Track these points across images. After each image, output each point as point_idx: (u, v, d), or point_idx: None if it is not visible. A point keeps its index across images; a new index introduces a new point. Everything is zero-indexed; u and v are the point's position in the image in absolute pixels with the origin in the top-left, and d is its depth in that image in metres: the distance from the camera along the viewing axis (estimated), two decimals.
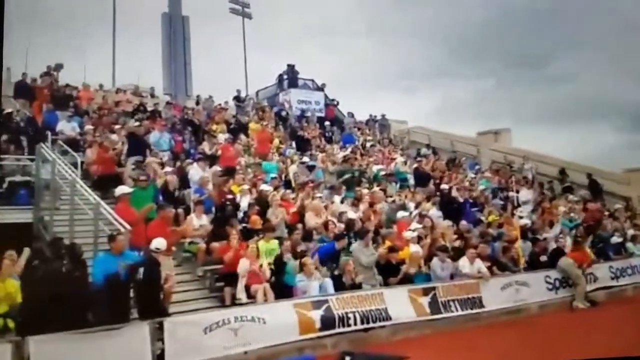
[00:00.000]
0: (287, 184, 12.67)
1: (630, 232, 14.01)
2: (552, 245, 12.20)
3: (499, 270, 10.99)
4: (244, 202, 10.68)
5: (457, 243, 11.40)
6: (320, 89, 22.34)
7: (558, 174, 18.56)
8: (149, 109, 16.20)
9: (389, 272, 9.88)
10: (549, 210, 14.00)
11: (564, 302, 10.95)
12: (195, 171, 11.33)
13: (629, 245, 13.37)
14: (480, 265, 10.50)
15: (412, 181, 15.47)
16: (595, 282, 11.77)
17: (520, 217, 13.05)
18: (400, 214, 12.20)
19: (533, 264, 11.55)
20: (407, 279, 9.79)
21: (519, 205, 14.04)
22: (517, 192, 14.71)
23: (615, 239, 13.30)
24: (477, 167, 18.49)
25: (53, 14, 34.68)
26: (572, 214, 14.08)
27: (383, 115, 22.38)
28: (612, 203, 16.83)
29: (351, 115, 21.82)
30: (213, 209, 10.13)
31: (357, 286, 9.07)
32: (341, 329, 8.22)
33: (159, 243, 7.67)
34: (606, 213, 14.91)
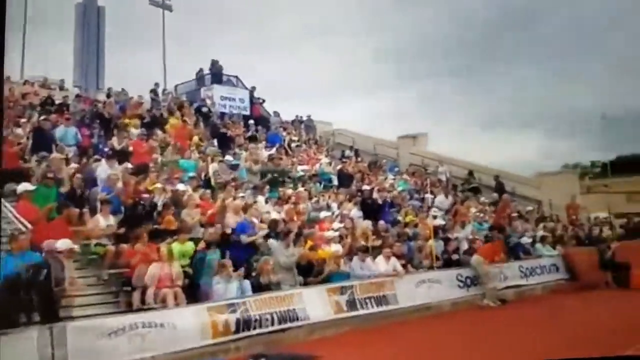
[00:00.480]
0: (207, 183, 12.29)
1: (540, 233, 14.88)
2: (464, 245, 12.73)
3: (413, 267, 11.35)
4: (160, 201, 10.23)
5: (376, 242, 11.64)
6: (246, 87, 21.88)
7: (467, 175, 19.44)
8: (57, 102, 15.21)
9: (310, 272, 9.90)
10: (461, 211, 14.56)
11: (475, 299, 11.37)
12: (103, 168, 10.72)
13: (538, 246, 14.15)
14: (396, 264, 10.80)
15: (335, 182, 15.65)
16: (506, 281, 12.31)
17: (434, 217, 13.50)
18: (323, 214, 12.35)
19: (446, 263, 11.99)
20: (326, 278, 9.85)
21: (433, 206, 14.51)
22: (432, 193, 15.21)
23: (526, 240, 14.04)
24: (396, 169, 19.01)
25: None
26: (481, 215, 14.72)
27: (309, 116, 22.43)
28: (525, 206, 17.86)
29: (277, 114, 21.65)
30: (122, 208, 9.60)
31: (276, 286, 8.98)
32: (258, 331, 8.09)
33: (63, 243, 7.24)
34: (515, 214, 15.73)
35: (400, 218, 13.69)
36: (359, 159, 18.58)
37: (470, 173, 19.42)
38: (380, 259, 10.84)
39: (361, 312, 9.54)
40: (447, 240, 12.64)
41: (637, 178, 36.48)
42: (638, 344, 7.16)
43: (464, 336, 8.76)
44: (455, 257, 12.14)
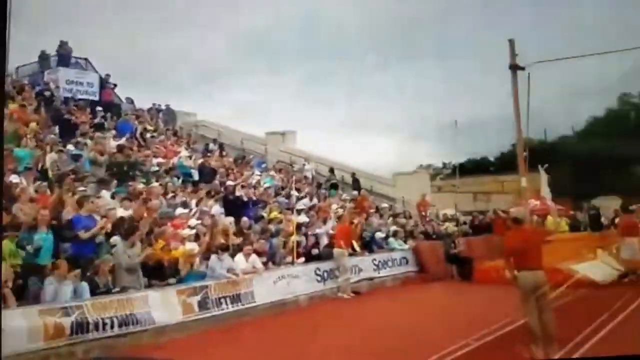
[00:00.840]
0: (45, 175, 10.99)
1: (393, 228, 15.62)
2: (325, 240, 12.94)
3: (275, 264, 11.28)
4: None
5: (237, 240, 11.35)
6: (97, 71, 19.90)
7: (328, 172, 19.95)
8: None
9: (161, 272, 9.31)
10: (323, 207, 14.82)
11: (331, 292, 11.60)
12: None
13: (391, 240, 14.86)
14: (256, 261, 10.62)
15: (196, 177, 15.00)
16: (360, 274, 12.78)
17: (299, 214, 13.57)
18: (179, 210, 11.71)
19: (306, 258, 12.09)
20: (178, 279, 9.39)
21: (298, 203, 14.60)
22: (298, 190, 15.31)
23: (380, 234, 14.70)
24: (263, 165, 18.85)
25: None
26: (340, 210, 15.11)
27: (167, 105, 21.21)
28: (380, 203, 18.71)
29: (130, 101, 19.94)
30: None
31: (119, 288, 8.32)
32: (95, 335, 7.51)
33: None
34: (372, 210, 16.41)
35: (264, 214, 13.53)
36: (224, 154, 18.06)
37: (331, 170, 19.93)
38: (239, 256, 10.58)
39: (214, 312, 9.27)
40: (308, 236, 12.76)
41: (482, 179, 40.70)
42: (477, 333, 7.67)
43: (318, 327, 8.83)
44: (315, 251, 12.28)
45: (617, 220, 20.49)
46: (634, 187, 34.86)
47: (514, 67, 22.00)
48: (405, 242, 15.09)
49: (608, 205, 25.24)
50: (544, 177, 23.75)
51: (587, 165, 36.83)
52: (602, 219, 20.71)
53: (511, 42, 22.07)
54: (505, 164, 43.07)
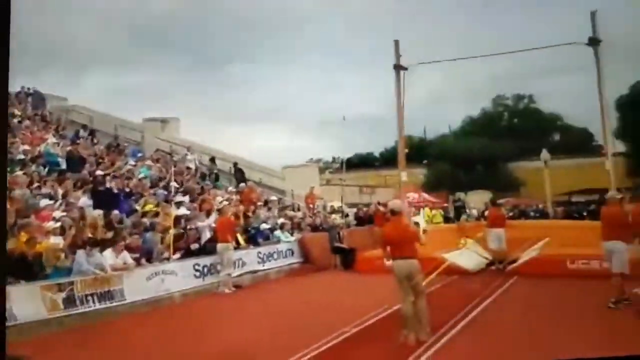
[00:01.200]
0: None
1: (281, 220, 15.42)
2: (207, 234, 12.35)
3: (151, 259, 10.57)
4: None
5: (107, 234, 10.45)
6: None
7: (209, 161, 19.32)
8: None
9: (24, 267, 8.32)
10: (207, 200, 14.22)
11: (211, 287, 11.11)
12: None
13: (277, 232, 14.65)
14: (126, 257, 9.85)
15: (64, 165, 13.68)
16: (244, 267, 12.40)
17: (178, 207, 12.85)
18: (44, 202, 10.70)
19: (186, 252, 11.46)
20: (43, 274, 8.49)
21: (177, 195, 13.83)
22: (177, 181, 14.51)
23: (265, 226, 14.42)
24: (139, 154, 17.67)
25: None
26: (225, 203, 14.58)
27: (36, 89, 19.26)
28: (270, 195, 18.46)
29: None
30: None
31: None
32: None
33: None
34: (260, 203, 16.09)
35: (138, 207, 12.63)
36: (95, 141, 16.67)
37: (212, 160, 19.29)
38: (109, 252, 9.73)
39: (81, 309, 8.58)
40: (188, 230, 12.09)
41: (367, 173, 42.28)
42: (354, 320, 7.71)
43: (194, 325, 8.37)
44: (195, 246, 11.67)
45: (486, 212, 22.25)
46: (502, 183, 38.25)
47: (398, 67, 22.84)
48: (292, 234, 14.96)
49: (480, 199, 27.36)
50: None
51: (462, 162, 39.74)
52: (468, 211, 22.23)
53: (396, 43, 22.86)
54: (388, 159, 45.34)
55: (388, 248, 7.09)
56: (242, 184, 17.79)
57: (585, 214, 24.70)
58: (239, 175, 18.52)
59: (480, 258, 14.02)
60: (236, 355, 6.53)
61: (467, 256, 13.63)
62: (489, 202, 16.32)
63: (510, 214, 24.69)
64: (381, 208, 17.02)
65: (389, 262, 7.06)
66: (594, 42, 15.42)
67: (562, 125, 49.08)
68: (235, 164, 19.07)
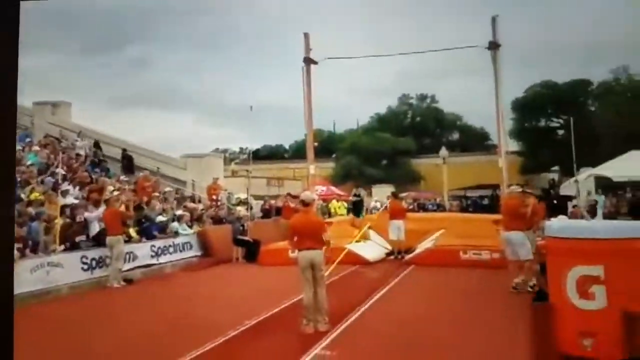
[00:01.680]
0: None
1: (179, 212, 14.75)
2: (97, 225, 11.54)
3: (32, 252, 9.68)
4: None
5: None
6: None
7: (93, 146, 18.13)
8: None
9: None
10: (96, 189, 13.28)
11: (99, 281, 10.43)
12: None
13: (174, 224, 13.95)
14: None
15: None
16: (135, 261, 11.73)
17: (65, 195, 11.90)
18: None
19: (73, 244, 10.65)
20: None
21: (64, 183, 12.80)
22: (66, 169, 13.43)
23: (161, 218, 13.73)
24: (27, 139, 16.17)
25: None
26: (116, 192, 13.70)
27: None
28: (168, 186, 17.61)
29: None
30: None
31: None
32: None
33: None
34: (156, 193, 15.32)
35: (23, 196, 11.51)
36: None
37: (97, 145, 18.02)
38: None
39: None
40: (76, 221, 11.23)
41: (276, 165, 42.19)
42: (254, 312, 7.55)
43: (80, 321, 7.78)
44: (82, 238, 10.86)
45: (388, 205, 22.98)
46: (404, 178, 39.82)
47: (308, 61, 22.85)
48: (191, 226, 14.37)
49: (384, 192, 28.23)
50: None
51: (368, 157, 40.87)
52: (367, 205, 22.76)
53: (306, 36, 22.84)
54: (298, 152, 45.56)
55: (295, 239, 7.08)
56: (141, 173, 16.88)
57: (478, 208, 26.34)
58: (126, 162, 17.45)
59: (380, 248, 14.44)
60: (126, 351, 6.09)
61: (367, 247, 13.98)
62: (390, 194, 16.80)
63: (410, 207, 25.75)
64: (289, 201, 16.91)
65: (294, 254, 7.04)
66: (493, 46, 16.35)
67: (461, 124, 51.98)
68: (124, 150, 17.95)
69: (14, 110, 1.25)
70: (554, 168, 34.17)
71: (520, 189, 10.33)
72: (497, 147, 19.78)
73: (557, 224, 2.98)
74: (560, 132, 39.97)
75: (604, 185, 17.23)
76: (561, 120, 40.04)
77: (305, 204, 7.27)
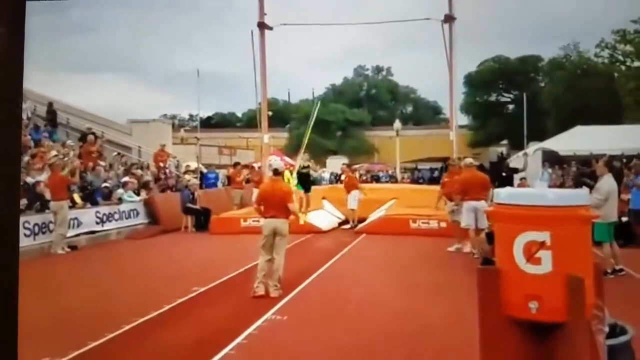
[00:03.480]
0: None
1: (125, 179, 14.23)
2: (40, 190, 11.02)
3: None
4: None
5: None
6: None
7: (46, 112, 17.28)
8: None
9: None
10: (41, 154, 12.68)
11: (43, 247, 10.03)
12: None
13: (120, 191, 13.48)
14: None
15: None
16: (79, 227, 11.36)
17: None
18: None
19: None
20: None
21: None
22: None
23: (106, 185, 13.29)
24: None
25: None
26: (65, 158, 13.12)
27: None
28: (112, 152, 17.05)
29: None
30: None
31: None
32: None
33: None
34: (101, 162, 14.75)
35: None
36: None
37: (51, 109, 17.17)
38: None
39: None
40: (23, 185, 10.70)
41: (229, 134, 41.52)
42: (206, 279, 7.49)
43: (23, 289, 7.41)
44: (24, 202, 10.35)
45: (342, 176, 23.12)
46: (358, 149, 40.12)
47: (262, 26, 22.26)
48: (137, 194, 13.94)
49: (337, 163, 28.37)
50: None
51: (322, 128, 40.77)
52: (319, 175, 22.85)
53: (260, 0, 22.20)
54: (250, 121, 44.94)
55: (261, 206, 7.16)
56: (90, 137, 16.15)
57: (429, 180, 26.93)
58: (49, 117, 16.58)
59: (332, 218, 14.55)
60: (70, 320, 5.87)
61: (321, 216, 14.06)
62: (345, 167, 16.89)
63: (364, 178, 26.03)
64: (233, 169, 16.70)
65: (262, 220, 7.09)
66: (448, 19, 16.40)
67: (415, 97, 52.63)
68: (50, 104, 16.93)
69: (19, 113, 1.37)
70: (502, 142, 35.29)
71: (477, 163, 10.63)
72: (449, 120, 20.13)
73: (506, 192, 3.02)
74: (511, 106, 41.12)
75: (550, 159, 17.93)
76: (512, 95, 41.14)
77: (277, 172, 7.24)
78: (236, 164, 18.22)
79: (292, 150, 36.98)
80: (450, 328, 5.30)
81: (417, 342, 5.03)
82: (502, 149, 34.79)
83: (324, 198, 15.46)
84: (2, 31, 1.25)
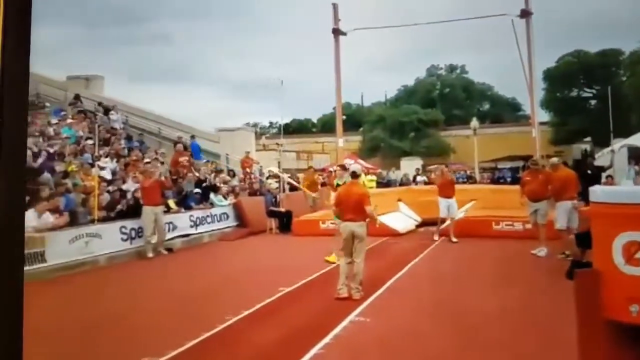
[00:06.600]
0: None
1: (215, 184, 15.06)
2: (134, 197, 11.85)
3: (73, 223, 10.02)
4: None
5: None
6: None
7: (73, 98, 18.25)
8: None
9: None
10: (134, 162, 13.62)
11: (139, 251, 10.77)
12: None
13: (211, 196, 14.33)
14: (49, 218, 9.31)
15: None
16: (175, 231, 12.08)
17: (102, 169, 12.24)
18: None
19: (113, 215, 10.99)
20: None
21: (102, 156, 13.15)
22: (102, 141, 13.79)
23: (197, 190, 14.07)
24: (62, 113, 16.52)
25: None
26: (159, 164, 14.04)
27: None
28: (205, 159, 18.00)
29: None
30: None
31: None
32: None
33: None
34: (193, 168, 15.61)
35: (61, 168, 11.89)
36: None
37: (77, 96, 18.18)
38: (30, 213, 9.13)
39: None
40: (115, 192, 11.57)
41: (305, 139, 42.25)
42: (291, 279, 7.75)
43: (125, 287, 8.11)
44: (119, 208, 11.19)
45: (417, 178, 22.85)
46: (433, 150, 39.37)
47: (336, 32, 22.55)
48: (226, 198, 14.70)
49: (412, 165, 28.07)
50: None
51: (396, 129, 40.45)
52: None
53: (334, 7, 22.50)
54: (325, 126, 45.46)
55: (339, 209, 7.31)
56: (179, 145, 17.18)
57: (509, 179, 25.95)
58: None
59: (409, 220, 14.45)
60: (168, 319, 6.31)
61: (397, 218, 14.01)
62: (420, 168, 16.69)
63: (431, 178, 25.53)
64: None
65: (338, 224, 7.25)
66: (525, 14, 15.89)
67: (492, 94, 50.86)
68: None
69: (25, 115, 1.29)
70: (585, 139, 33.32)
71: (562, 161, 10.28)
72: (529, 117, 19.36)
73: (603, 190, 2.94)
74: (592, 102, 38.84)
75: (636, 155, 16.79)
76: (593, 91, 38.85)
77: (355, 175, 7.38)
78: (308, 168, 18.70)
79: (365, 153, 37.07)
80: (547, 329, 5.18)
81: (516, 343, 4.92)
82: (585, 146, 32.88)
83: (399, 200, 15.38)
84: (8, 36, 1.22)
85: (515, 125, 38.45)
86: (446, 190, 12.08)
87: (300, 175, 20.44)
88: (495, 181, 27.06)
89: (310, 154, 33.45)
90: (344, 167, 9.84)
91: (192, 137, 18.25)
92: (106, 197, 11.20)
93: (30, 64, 1.29)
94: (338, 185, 9.08)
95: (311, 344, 4.98)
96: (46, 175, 10.91)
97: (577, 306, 2.82)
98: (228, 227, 14.02)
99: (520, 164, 27.94)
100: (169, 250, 11.18)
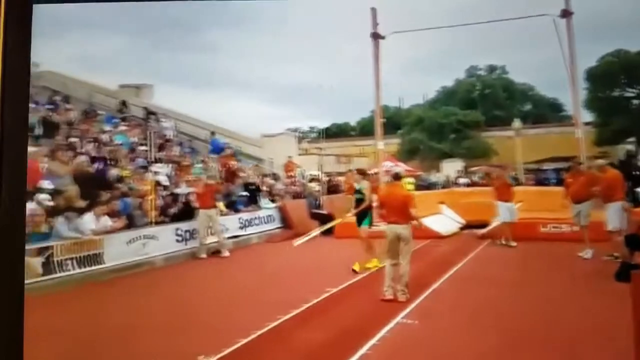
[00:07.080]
0: None
1: (262, 187, 15.51)
2: (187, 200, 12.37)
3: (130, 225, 10.57)
4: None
5: (81, 203, 10.36)
6: None
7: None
8: None
9: None
10: (184, 167, 14.19)
11: (191, 252, 11.23)
12: None
13: (258, 199, 14.78)
14: (107, 221, 9.85)
15: (40, 131, 13.39)
16: (225, 232, 12.53)
17: (156, 173, 12.81)
18: None
19: (168, 218, 11.55)
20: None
21: (155, 162, 13.76)
22: (155, 147, 14.42)
23: (244, 193, 14.57)
24: (114, 120, 17.27)
25: None
26: (211, 165, 14.63)
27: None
28: (249, 163, 18.54)
29: None
30: None
31: None
32: None
33: None
34: (240, 172, 16.11)
35: (116, 173, 12.52)
36: (69, 107, 16.24)
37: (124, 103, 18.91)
38: (89, 216, 9.69)
39: (60, 274, 8.53)
40: (169, 196, 12.13)
41: (344, 143, 42.41)
42: (336, 280, 7.95)
43: (179, 287, 8.50)
44: (173, 211, 11.71)
45: (460, 180, 22.71)
46: (475, 151, 38.84)
47: (375, 36, 22.69)
48: (272, 201, 15.12)
49: (453, 167, 27.82)
50: None
51: (435, 131, 40.07)
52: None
53: (373, 11, 22.62)
54: (363, 129, 45.37)
55: (383, 212, 7.34)
56: (228, 150, 17.74)
57: (554, 181, 25.42)
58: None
59: (453, 223, 14.43)
60: (221, 317, 6.59)
61: (440, 221, 14.01)
62: (462, 170, 16.61)
63: (483, 180, 25.26)
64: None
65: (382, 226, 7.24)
66: (566, 14, 15.69)
67: (533, 95, 49.69)
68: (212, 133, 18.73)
69: (26, 115, 1.40)
70: (629, 139, 32.25)
71: (609, 162, 10.16)
72: (572, 118, 18.98)
73: None
74: (635, 102, 37.63)
75: None
76: (636, 90, 37.62)
77: (398, 177, 7.49)
78: (348, 171, 18.86)
79: (404, 155, 36.84)
80: (597, 330, 5.20)
81: (566, 346, 4.97)
82: (630, 146, 31.82)
83: (441, 202, 15.36)
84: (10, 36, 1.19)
85: (557, 125, 37.55)
86: (504, 194, 11.77)
87: (341, 179, 20.70)
88: (539, 182, 26.57)
89: (349, 157, 33.58)
90: (362, 172, 9.95)
91: (212, 133, 18.93)
92: (160, 201, 11.73)
93: (30, 64, 1.34)
94: (358, 190, 9.17)
95: (358, 345, 5.10)
96: (104, 179, 11.54)
97: (633, 307, 2.87)
98: (274, 229, 14.42)
99: (564, 165, 27.32)
100: (218, 252, 11.54)
